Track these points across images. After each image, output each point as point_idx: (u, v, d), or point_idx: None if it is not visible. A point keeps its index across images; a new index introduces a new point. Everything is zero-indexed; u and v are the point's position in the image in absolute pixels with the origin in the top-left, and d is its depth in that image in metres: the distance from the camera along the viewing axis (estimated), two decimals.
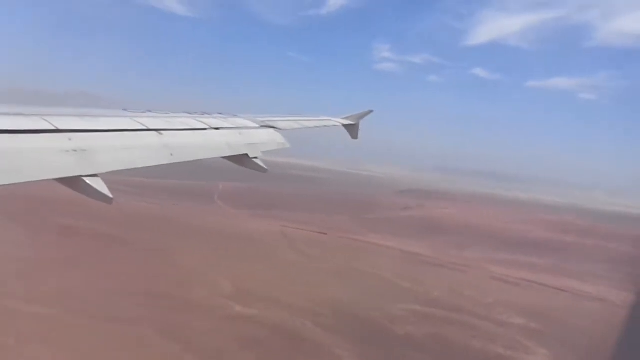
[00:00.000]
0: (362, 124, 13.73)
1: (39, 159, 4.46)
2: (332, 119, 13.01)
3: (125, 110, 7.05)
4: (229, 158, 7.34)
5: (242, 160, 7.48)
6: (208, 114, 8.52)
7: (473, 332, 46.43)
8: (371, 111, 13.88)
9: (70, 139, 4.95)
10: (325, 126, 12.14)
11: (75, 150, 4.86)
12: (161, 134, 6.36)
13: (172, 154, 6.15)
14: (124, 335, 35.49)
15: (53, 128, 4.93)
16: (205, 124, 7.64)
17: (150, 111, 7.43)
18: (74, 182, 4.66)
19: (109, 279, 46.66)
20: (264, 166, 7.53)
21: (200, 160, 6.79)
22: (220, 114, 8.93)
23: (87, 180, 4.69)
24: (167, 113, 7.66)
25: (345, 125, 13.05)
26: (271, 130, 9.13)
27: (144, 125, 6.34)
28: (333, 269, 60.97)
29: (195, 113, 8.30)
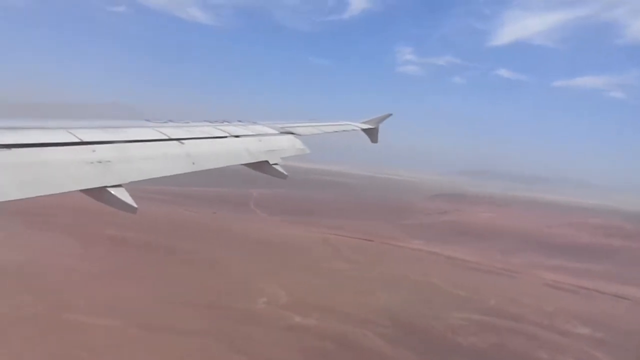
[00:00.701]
0: (385, 128, 13.53)
1: (64, 171, 4.56)
2: (351, 123, 12.89)
3: (147, 120, 7.11)
4: (249, 165, 7.38)
5: (262, 166, 7.51)
6: (228, 122, 8.54)
7: (538, 343, 44.78)
8: (390, 114, 13.67)
9: (94, 151, 5.05)
10: (344, 131, 12.02)
11: (99, 162, 4.96)
12: (183, 143, 6.45)
13: (193, 163, 6.23)
14: (192, 348, 35.02)
15: (78, 140, 5.04)
16: (226, 132, 7.71)
17: (171, 121, 7.52)
18: (99, 193, 4.74)
19: (166, 289, 46.40)
20: (284, 172, 7.50)
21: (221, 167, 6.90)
22: (239, 121, 8.92)
23: (112, 190, 4.77)
24: (188, 122, 7.71)
25: (364, 130, 12.96)
26: (291, 136, 9.12)
27: (165, 135, 6.41)
28: (382, 277, 59.83)
29: (216, 121, 8.31)
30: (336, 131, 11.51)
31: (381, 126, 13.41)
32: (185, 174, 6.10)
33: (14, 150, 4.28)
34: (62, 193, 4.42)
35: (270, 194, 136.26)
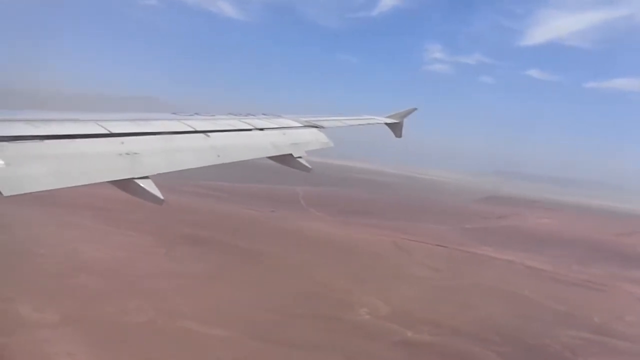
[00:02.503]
0: (411, 125, 13.27)
1: (94, 162, 4.62)
2: (375, 117, 12.69)
3: (174, 113, 7.13)
4: (274, 158, 7.33)
5: (286, 159, 7.44)
6: (252, 115, 8.53)
7: None
8: (415, 109, 13.32)
9: (122, 143, 5.08)
10: (368, 124, 11.85)
11: (127, 154, 4.99)
12: (208, 135, 6.47)
13: (219, 155, 6.22)
14: None
15: (107, 132, 5.09)
16: (250, 125, 7.69)
17: (197, 114, 7.51)
18: (126, 184, 4.73)
19: (263, 296, 44.61)
20: (308, 165, 7.43)
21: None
22: (264, 114, 8.91)
23: (139, 182, 4.74)
24: (213, 115, 7.68)
25: (388, 124, 12.71)
26: (314, 129, 9.04)
27: (191, 127, 6.44)
28: (472, 287, 57.14)
29: (240, 114, 8.29)
30: (360, 124, 11.33)
31: (407, 124, 13.06)
32: (217, 169, 6.16)
33: (46, 141, 4.31)
34: (93, 184, 4.43)
35: (317, 192, 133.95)
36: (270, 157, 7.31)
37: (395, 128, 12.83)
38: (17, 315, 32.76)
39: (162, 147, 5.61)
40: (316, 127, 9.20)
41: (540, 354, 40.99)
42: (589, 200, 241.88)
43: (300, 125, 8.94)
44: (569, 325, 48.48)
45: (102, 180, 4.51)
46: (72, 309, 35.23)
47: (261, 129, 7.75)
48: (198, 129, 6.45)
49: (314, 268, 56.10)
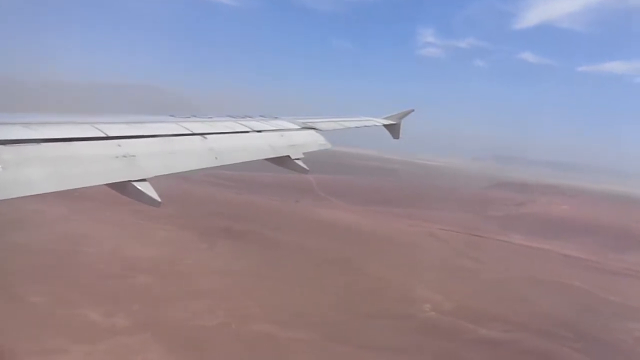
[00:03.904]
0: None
1: (91, 165, 4.59)
2: (373, 119, 12.82)
3: (171, 115, 7.13)
4: (271, 159, 7.40)
5: (283, 161, 7.48)
6: (250, 117, 8.56)
7: None
8: (412, 110, 13.56)
9: (119, 145, 5.08)
10: (365, 126, 12.00)
11: (124, 156, 4.97)
12: (205, 137, 6.49)
13: (216, 157, 6.24)
14: None
15: (103, 135, 5.07)
16: (248, 127, 7.76)
17: (195, 116, 7.50)
18: (124, 187, 4.71)
19: (324, 294, 43.10)
20: (306, 167, 7.48)
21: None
22: (261, 116, 8.97)
23: (137, 185, 4.72)
24: (211, 117, 7.66)
25: (386, 125, 12.80)
26: (312, 131, 9.11)
27: (189, 129, 6.45)
28: (520, 279, 55.97)
29: (238, 116, 8.31)
30: (358, 126, 11.49)
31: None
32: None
33: (43, 144, 4.31)
34: (90, 187, 4.35)
35: (328, 180, 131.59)
36: (268, 159, 7.36)
37: (393, 129, 12.98)
38: (91, 322, 30.90)
39: (159, 149, 5.58)
40: (313, 129, 9.22)
41: (615, 349, 39.90)
42: (596, 186, 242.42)
43: (298, 127, 8.95)
44: (631, 317, 47.53)
45: (99, 183, 4.43)
46: (141, 314, 33.38)
47: (259, 131, 7.76)
48: (195, 131, 6.47)
49: (361, 261, 54.53)
